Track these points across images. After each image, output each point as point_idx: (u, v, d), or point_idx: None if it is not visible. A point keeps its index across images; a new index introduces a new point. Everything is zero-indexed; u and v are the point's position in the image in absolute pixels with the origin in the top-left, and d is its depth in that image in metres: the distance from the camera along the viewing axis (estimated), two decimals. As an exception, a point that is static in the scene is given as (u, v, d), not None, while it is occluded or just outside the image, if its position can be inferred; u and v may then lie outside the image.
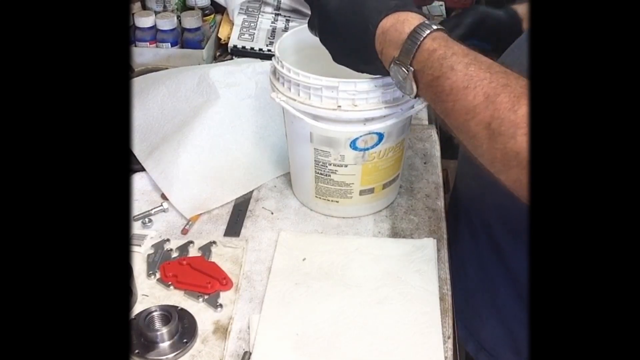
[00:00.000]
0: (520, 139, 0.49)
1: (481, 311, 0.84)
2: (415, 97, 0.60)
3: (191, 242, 0.77)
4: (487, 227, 0.80)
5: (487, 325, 0.84)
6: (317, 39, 0.69)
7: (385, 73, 0.63)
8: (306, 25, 0.71)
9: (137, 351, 0.62)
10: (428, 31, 0.57)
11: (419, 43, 0.56)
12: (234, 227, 0.80)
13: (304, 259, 0.74)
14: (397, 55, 0.58)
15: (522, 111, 0.49)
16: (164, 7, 1.24)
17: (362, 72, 0.67)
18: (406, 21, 0.58)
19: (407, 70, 0.58)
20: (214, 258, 0.75)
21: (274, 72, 0.75)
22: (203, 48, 1.16)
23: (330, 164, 0.76)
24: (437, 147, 0.95)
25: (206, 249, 0.76)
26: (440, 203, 0.84)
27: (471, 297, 0.82)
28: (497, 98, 0.51)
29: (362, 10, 0.61)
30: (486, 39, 0.83)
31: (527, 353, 0.72)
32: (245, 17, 1.23)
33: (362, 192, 0.79)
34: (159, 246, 0.76)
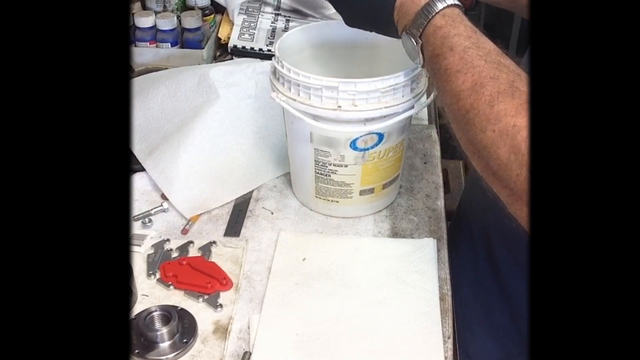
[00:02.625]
0: (489, 134, 0.50)
1: (473, 325, 0.83)
2: (422, 67, 0.61)
3: (191, 242, 0.77)
4: (487, 242, 0.80)
5: (478, 339, 0.84)
6: (317, 38, 0.69)
7: (396, 37, 0.64)
8: (307, 25, 0.71)
9: (137, 351, 0.62)
10: (442, 6, 0.57)
11: (430, 17, 0.57)
12: (234, 227, 0.80)
13: (304, 259, 0.74)
14: (409, 26, 0.59)
15: (498, 107, 0.49)
16: (164, 7, 1.24)
17: (376, 31, 0.68)
18: None
19: (416, 42, 0.59)
20: (214, 258, 0.75)
21: (274, 72, 0.75)
22: (203, 48, 1.16)
23: (330, 164, 0.76)
24: (437, 147, 0.95)
25: (206, 249, 0.76)
26: (440, 203, 0.84)
27: (463, 311, 0.82)
28: (481, 89, 0.51)
29: None
30: None
31: None
32: (245, 17, 1.23)
33: (362, 192, 0.79)
34: (159, 246, 0.76)
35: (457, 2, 0.58)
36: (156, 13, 1.19)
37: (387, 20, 0.63)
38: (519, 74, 0.52)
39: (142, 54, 1.16)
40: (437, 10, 0.57)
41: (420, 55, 0.60)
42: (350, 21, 0.69)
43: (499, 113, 0.49)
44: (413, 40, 0.59)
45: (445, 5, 0.57)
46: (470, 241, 0.84)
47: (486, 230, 0.80)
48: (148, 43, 1.16)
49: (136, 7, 1.23)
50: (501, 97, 0.50)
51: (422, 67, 0.61)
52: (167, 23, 1.15)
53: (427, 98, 0.76)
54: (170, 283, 0.71)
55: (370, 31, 0.67)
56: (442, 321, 0.66)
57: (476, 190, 0.82)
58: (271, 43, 1.18)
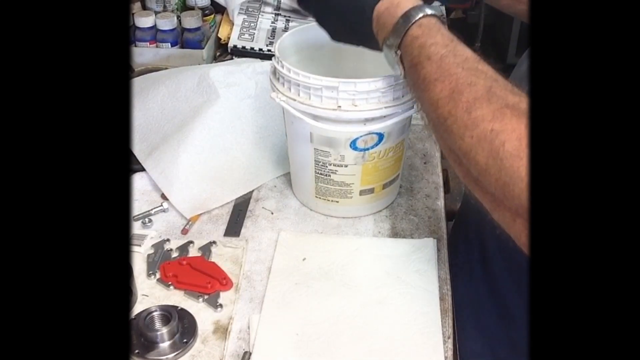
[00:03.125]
0: (467, 140, 0.50)
1: (466, 326, 0.84)
2: (404, 78, 0.62)
3: (191, 242, 0.77)
4: (481, 243, 0.80)
5: (470, 340, 0.84)
6: (316, 39, 0.69)
7: (379, 50, 0.64)
8: (306, 25, 0.71)
9: (137, 351, 0.62)
10: (418, 16, 0.58)
11: (407, 28, 0.58)
12: (234, 227, 0.80)
13: (304, 259, 0.74)
14: (388, 38, 0.60)
15: (476, 113, 0.50)
16: (164, 7, 1.24)
17: (361, 46, 0.68)
18: (400, 4, 0.59)
19: (395, 53, 0.59)
20: (214, 258, 0.75)
21: (274, 72, 0.75)
22: (203, 48, 1.16)
23: (330, 164, 0.76)
24: (437, 147, 0.95)
25: (206, 249, 0.76)
26: (440, 203, 0.84)
27: (458, 312, 0.82)
28: (459, 96, 0.51)
29: None
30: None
31: None
32: (245, 17, 1.23)
33: (362, 192, 0.79)
34: (159, 246, 0.76)
35: (433, 12, 0.58)
36: (156, 13, 1.19)
37: (368, 33, 0.63)
38: (496, 79, 0.52)
39: (142, 54, 1.16)
40: (413, 21, 0.57)
41: (400, 66, 0.60)
42: (335, 36, 0.69)
43: (476, 119, 0.49)
44: (392, 51, 0.59)
45: (421, 15, 0.58)
46: (466, 242, 0.84)
47: (481, 232, 0.80)
48: (148, 43, 1.16)
49: (136, 7, 1.23)
50: (478, 103, 0.50)
51: (404, 78, 0.61)
52: (167, 23, 1.15)
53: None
54: (170, 283, 0.71)
55: (356, 45, 0.68)
56: (442, 321, 0.66)
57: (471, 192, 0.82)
58: (271, 43, 1.18)
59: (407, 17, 0.58)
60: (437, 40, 0.56)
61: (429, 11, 0.58)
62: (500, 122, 0.48)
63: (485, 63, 0.54)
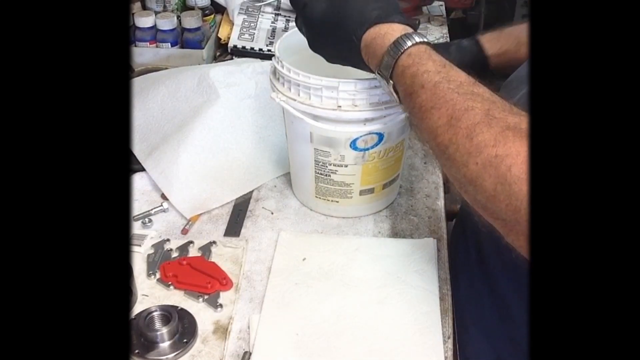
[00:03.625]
0: (472, 167, 0.49)
1: (468, 326, 0.84)
2: (400, 103, 0.61)
3: (191, 242, 0.77)
4: (477, 242, 0.80)
5: (474, 340, 0.84)
6: None
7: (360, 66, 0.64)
8: None
9: (137, 351, 0.62)
10: (406, 45, 0.57)
11: (396, 58, 0.57)
12: (234, 227, 0.80)
13: (304, 259, 0.74)
14: (378, 67, 0.59)
15: (477, 139, 0.49)
16: (164, 7, 1.24)
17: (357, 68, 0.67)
18: (387, 34, 0.59)
19: (387, 83, 0.59)
20: (214, 258, 0.75)
21: (274, 72, 0.75)
22: (203, 48, 1.16)
23: (330, 164, 0.76)
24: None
25: (206, 249, 0.76)
26: (440, 203, 0.84)
27: (460, 312, 0.83)
28: (457, 122, 0.51)
29: (344, 22, 0.61)
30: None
31: None
32: (245, 17, 1.23)
33: (362, 192, 0.79)
34: (159, 246, 0.76)
35: (422, 39, 0.57)
36: (156, 13, 1.19)
37: (360, 61, 0.62)
38: (494, 101, 0.51)
39: (142, 54, 1.16)
40: (402, 51, 0.57)
41: (395, 95, 0.59)
42: (331, 60, 0.68)
43: (479, 145, 0.49)
44: (385, 81, 0.59)
45: (409, 44, 0.57)
46: (464, 241, 0.84)
47: (477, 232, 0.80)
48: (148, 43, 1.16)
49: (136, 7, 1.23)
50: (478, 129, 0.49)
51: (400, 103, 0.61)
52: (167, 23, 1.15)
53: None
54: (170, 283, 0.71)
55: (354, 67, 0.67)
56: (442, 321, 0.66)
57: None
58: (271, 43, 1.18)
59: (395, 47, 0.57)
60: (428, 67, 0.55)
61: (417, 38, 0.57)
62: (503, 147, 0.47)
63: (481, 85, 0.53)
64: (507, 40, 0.84)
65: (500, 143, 0.47)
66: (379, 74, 0.59)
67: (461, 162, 0.50)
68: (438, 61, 0.56)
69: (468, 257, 0.83)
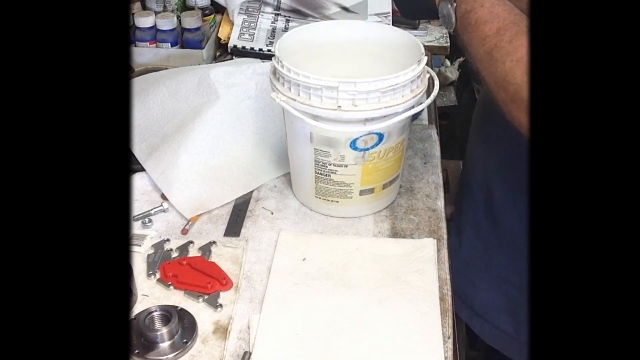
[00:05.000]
0: (508, 64, 0.59)
1: (475, 280, 0.90)
2: (454, 30, 0.69)
3: (191, 242, 0.77)
4: (487, 193, 0.85)
5: (481, 290, 0.89)
6: (316, 38, 0.70)
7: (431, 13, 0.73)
8: (306, 25, 0.72)
9: (137, 351, 0.62)
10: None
11: None
12: (234, 227, 0.80)
13: (304, 259, 0.74)
14: None
15: (517, 43, 0.59)
16: (164, 7, 1.24)
17: (415, 15, 0.80)
18: None
19: (451, 5, 0.68)
20: (214, 258, 0.75)
21: (274, 72, 0.75)
22: (203, 48, 1.16)
23: (330, 164, 0.76)
24: (437, 147, 0.95)
25: (206, 249, 0.76)
26: (440, 203, 0.84)
27: (465, 268, 0.89)
28: (504, 32, 0.61)
29: None
30: None
31: (522, 313, 0.78)
32: (245, 17, 1.23)
33: (362, 192, 0.79)
34: (159, 246, 0.76)
35: None
36: (156, 13, 1.19)
37: None
38: None
39: (142, 54, 1.16)
40: None
41: (454, 16, 0.68)
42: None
43: (517, 47, 0.59)
44: (448, 4, 0.68)
45: None
46: (470, 199, 0.89)
47: (487, 181, 0.86)
48: (148, 43, 1.16)
49: (136, 7, 1.23)
50: (519, 36, 0.59)
51: (453, 31, 0.70)
52: (167, 23, 1.15)
53: (427, 98, 0.76)
54: (170, 283, 0.71)
55: (411, 14, 0.79)
56: (442, 321, 0.66)
57: (478, 143, 0.90)
58: (271, 43, 1.18)
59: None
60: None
61: None
62: None
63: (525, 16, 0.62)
64: None
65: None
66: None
67: (501, 60, 0.60)
68: None
69: (475, 213, 0.89)
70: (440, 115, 1.52)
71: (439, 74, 1.06)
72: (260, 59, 1.12)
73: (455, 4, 0.68)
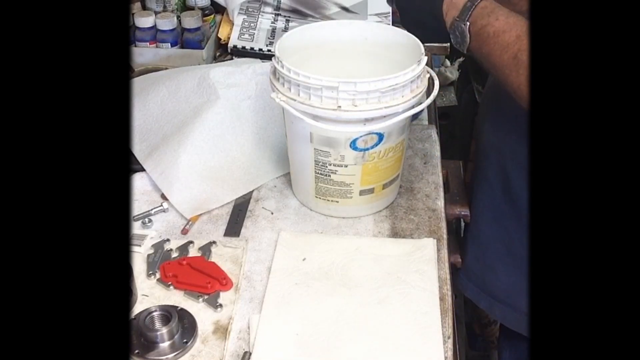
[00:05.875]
0: None
1: (495, 265, 0.91)
2: (467, 49, 0.72)
3: (191, 242, 0.77)
4: (503, 177, 0.87)
5: (501, 275, 0.91)
6: (316, 38, 0.70)
7: (443, 33, 0.76)
8: (306, 25, 0.72)
9: (137, 351, 0.62)
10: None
11: (476, 4, 0.71)
12: (234, 227, 0.80)
13: (304, 259, 0.74)
14: (458, 14, 0.72)
15: None
16: (164, 7, 1.24)
17: (422, 39, 0.80)
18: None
19: (465, 25, 0.71)
20: (214, 258, 0.75)
21: (274, 72, 0.75)
22: (203, 48, 1.16)
23: (330, 164, 0.76)
24: (437, 147, 0.95)
25: (206, 249, 0.76)
26: (440, 203, 0.84)
27: (483, 254, 0.92)
28: (524, 37, 0.65)
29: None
30: None
31: None
32: (245, 17, 1.23)
33: (362, 192, 0.79)
34: (159, 246, 0.76)
35: None
36: (156, 13, 1.19)
37: (437, 14, 0.76)
38: None
39: (142, 54, 1.15)
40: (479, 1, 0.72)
41: (467, 35, 0.71)
42: (406, 17, 0.83)
43: None
44: (462, 24, 0.71)
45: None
46: (487, 185, 0.91)
47: (503, 165, 0.88)
48: (148, 43, 1.16)
49: (136, 7, 1.23)
50: None
51: (467, 50, 0.73)
52: (167, 23, 1.15)
53: (427, 98, 0.76)
54: (170, 283, 0.71)
55: (422, 31, 0.80)
56: (442, 321, 0.66)
57: (490, 131, 0.92)
58: (271, 43, 1.18)
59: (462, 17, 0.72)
60: (501, 7, 0.70)
61: None
62: None
63: None
64: None
65: None
66: (456, 20, 0.72)
67: (528, 62, 0.64)
68: (505, 7, 0.71)
69: (492, 197, 0.90)
70: (440, 115, 1.51)
71: (439, 74, 1.06)
72: (260, 59, 1.12)
73: (469, 23, 0.71)
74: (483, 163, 0.93)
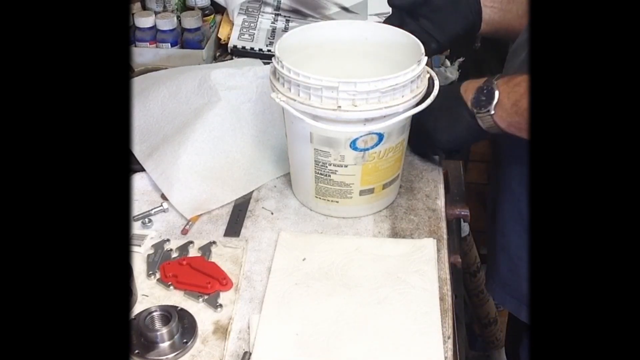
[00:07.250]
0: None
1: (519, 268, 0.90)
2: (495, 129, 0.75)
3: (191, 242, 0.77)
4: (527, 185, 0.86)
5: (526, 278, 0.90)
6: (316, 38, 0.70)
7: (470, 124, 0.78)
8: (306, 25, 0.72)
9: (137, 351, 0.62)
10: (495, 77, 0.75)
11: (493, 83, 0.74)
12: (234, 227, 0.80)
13: (304, 259, 0.74)
14: (479, 105, 0.75)
15: None
16: (164, 7, 1.24)
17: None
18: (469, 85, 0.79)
19: (491, 116, 0.74)
20: (214, 258, 0.75)
21: (274, 72, 0.75)
22: (203, 48, 1.16)
23: (330, 164, 0.76)
24: (437, 147, 0.95)
25: (206, 249, 0.76)
26: (440, 203, 0.84)
27: (516, 266, 0.90)
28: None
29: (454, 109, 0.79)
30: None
31: None
32: (245, 17, 1.23)
33: (362, 192, 0.79)
34: (159, 246, 0.76)
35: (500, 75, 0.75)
36: (156, 13, 1.19)
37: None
38: None
39: (142, 54, 1.16)
40: (495, 81, 0.74)
41: (496, 125, 0.74)
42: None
43: None
44: (487, 115, 0.74)
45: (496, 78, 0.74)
46: (510, 196, 0.89)
47: (525, 171, 0.88)
48: (148, 43, 1.16)
49: (136, 7, 1.23)
50: None
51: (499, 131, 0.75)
52: (167, 23, 1.15)
53: (427, 98, 0.76)
54: (170, 283, 0.71)
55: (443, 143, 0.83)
56: (442, 321, 0.66)
57: (513, 142, 0.91)
58: (271, 43, 1.18)
59: (489, 81, 0.74)
60: (522, 77, 0.72)
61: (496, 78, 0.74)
62: None
63: None
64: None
65: None
66: (481, 112, 0.75)
67: None
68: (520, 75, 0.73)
69: (519, 209, 0.89)
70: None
71: (438, 74, 1.06)
72: (260, 59, 1.12)
73: (493, 112, 0.73)
74: (505, 174, 0.92)
